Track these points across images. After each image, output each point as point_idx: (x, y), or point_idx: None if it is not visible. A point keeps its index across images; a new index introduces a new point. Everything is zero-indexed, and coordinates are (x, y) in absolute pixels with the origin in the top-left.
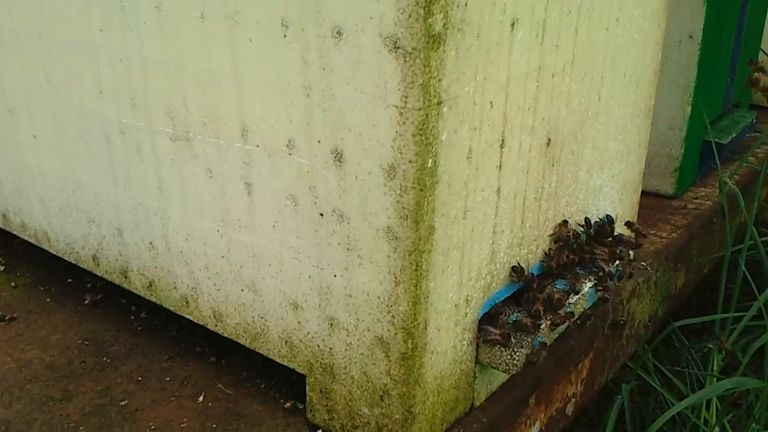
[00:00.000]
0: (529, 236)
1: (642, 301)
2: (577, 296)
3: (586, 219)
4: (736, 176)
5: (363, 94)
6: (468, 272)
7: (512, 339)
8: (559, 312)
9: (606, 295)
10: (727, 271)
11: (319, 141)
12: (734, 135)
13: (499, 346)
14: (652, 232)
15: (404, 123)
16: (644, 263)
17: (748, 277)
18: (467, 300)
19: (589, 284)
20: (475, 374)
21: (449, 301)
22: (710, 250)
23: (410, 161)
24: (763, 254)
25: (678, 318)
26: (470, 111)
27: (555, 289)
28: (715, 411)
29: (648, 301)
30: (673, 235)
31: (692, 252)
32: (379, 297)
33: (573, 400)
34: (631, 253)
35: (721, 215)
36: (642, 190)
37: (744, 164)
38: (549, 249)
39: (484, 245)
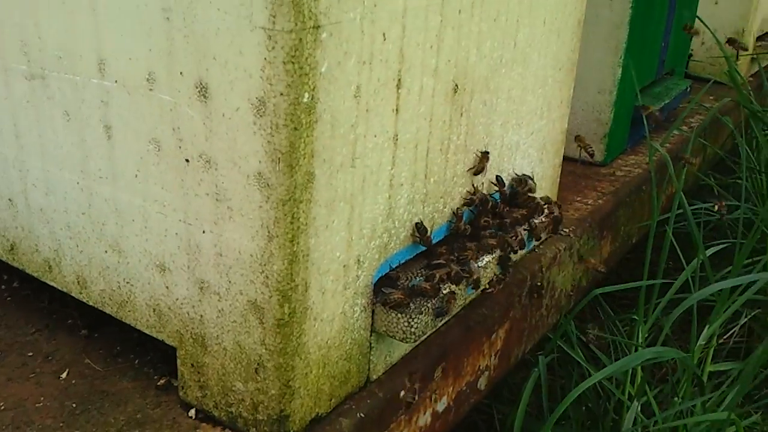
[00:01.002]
0: (434, 192)
1: (563, 269)
2: (486, 260)
3: (498, 177)
4: (667, 144)
5: (227, 15)
6: (359, 229)
7: (411, 304)
8: (465, 277)
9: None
10: (654, 240)
11: (181, 73)
12: (667, 102)
13: (395, 312)
14: (578, 198)
15: (273, 48)
16: (567, 230)
17: (676, 247)
18: (359, 260)
19: (499, 249)
20: (370, 344)
21: (336, 261)
22: (639, 219)
23: (281, 94)
24: (691, 223)
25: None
26: (357, 41)
27: (462, 253)
28: (638, 383)
29: (570, 269)
30: (599, 201)
31: (619, 220)
32: (251, 255)
33: (486, 373)
34: (548, 218)
35: (651, 183)
36: (569, 157)
37: (675, 132)
38: (458, 208)
39: (379, 199)
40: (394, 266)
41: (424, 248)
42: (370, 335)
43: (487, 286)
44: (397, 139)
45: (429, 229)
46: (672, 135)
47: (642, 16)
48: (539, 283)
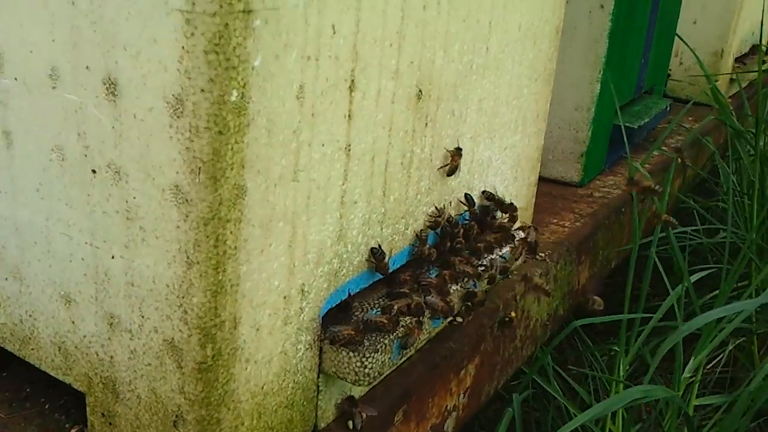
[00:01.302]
0: (394, 212)
1: (539, 297)
2: (454, 288)
3: (467, 196)
4: (647, 165)
5: None
6: (303, 253)
7: (364, 341)
8: (431, 307)
9: (481, 296)
10: (635, 266)
11: (87, 67)
12: (647, 120)
13: (346, 350)
14: (554, 221)
15: (193, 35)
16: (543, 254)
17: (662, 272)
18: (303, 290)
19: (470, 277)
20: (318, 387)
21: (274, 291)
22: (618, 243)
23: (202, 90)
24: (675, 248)
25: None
26: (301, 33)
27: (426, 280)
28: (621, 422)
29: (547, 297)
30: (577, 224)
31: (598, 244)
32: (167, 285)
33: (454, 414)
34: (523, 244)
35: (631, 205)
36: (545, 177)
37: (655, 152)
38: (422, 230)
39: (327, 219)
40: (346, 296)
41: (381, 276)
42: (318, 377)
43: (456, 317)
44: (349, 150)
45: (387, 254)
46: (652, 156)
47: (622, 31)
48: (513, 313)
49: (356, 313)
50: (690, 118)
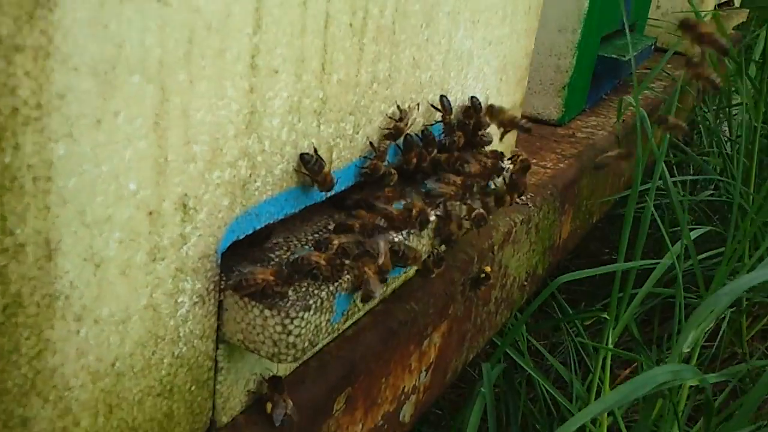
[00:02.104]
0: (338, 101)
1: (519, 249)
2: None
3: (443, 98)
4: (631, 106)
5: None
6: (183, 141)
7: (289, 292)
8: (395, 249)
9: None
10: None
11: None
12: (634, 54)
13: (259, 306)
14: (533, 161)
15: None
16: (523, 197)
17: (660, 225)
18: (185, 205)
19: (440, 209)
20: (216, 364)
21: (127, 201)
22: (601, 194)
23: None
24: (674, 198)
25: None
26: None
27: (383, 209)
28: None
29: (527, 250)
30: (560, 165)
31: (582, 192)
32: None
33: (413, 398)
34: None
35: (617, 149)
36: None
37: (646, 88)
38: (380, 140)
39: (228, 89)
40: (261, 224)
41: (319, 197)
42: (215, 348)
43: (425, 267)
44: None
45: (327, 165)
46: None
47: None
48: (489, 268)
49: (278, 251)
50: (669, 66)
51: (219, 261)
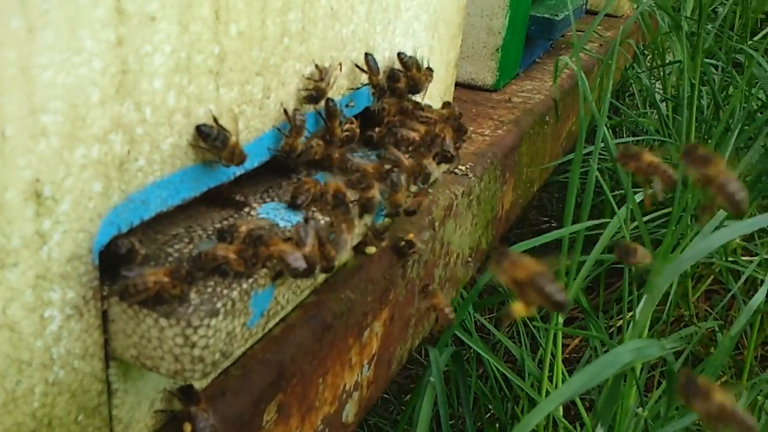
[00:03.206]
0: (240, 59)
1: (461, 224)
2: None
3: (369, 57)
4: (566, 70)
5: None
6: (28, 110)
7: (190, 294)
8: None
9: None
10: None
11: None
12: (567, 14)
13: (153, 313)
14: (470, 128)
15: None
16: (463, 167)
17: (605, 189)
18: (39, 193)
19: (378, 184)
20: (110, 386)
21: None
22: (541, 160)
23: None
24: (614, 160)
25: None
26: None
27: (304, 190)
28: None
29: (469, 224)
30: (499, 132)
31: (522, 159)
32: None
33: (356, 395)
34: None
35: (554, 113)
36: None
37: (580, 49)
38: (296, 107)
39: (84, 40)
40: (152, 213)
41: (227, 175)
42: (106, 367)
43: (364, 250)
44: None
45: (233, 137)
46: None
47: None
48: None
49: (177, 245)
50: (599, 27)
51: (96, 262)
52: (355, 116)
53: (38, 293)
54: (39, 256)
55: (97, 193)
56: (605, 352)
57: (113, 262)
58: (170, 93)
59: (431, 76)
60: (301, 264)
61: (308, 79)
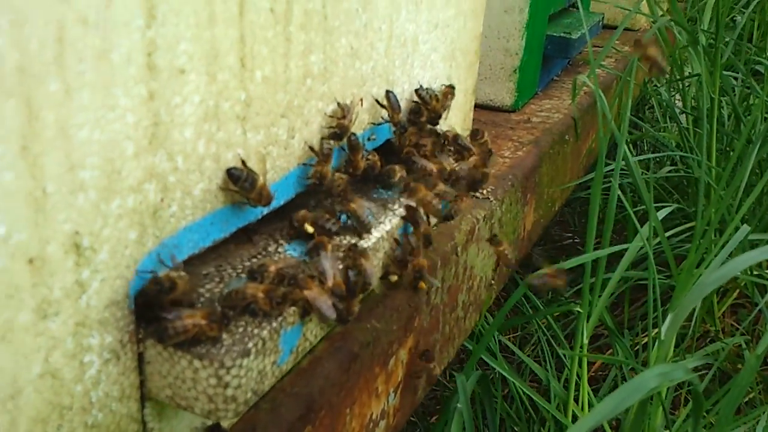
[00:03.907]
0: (265, 102)
1: (484, 248)
2: (379, 234)
3: (390, 94)
4: (585, 88)
5: None
6: (67, 167)
7: (222, 335)
8: (349, 266)
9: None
10: (591, 203)
11: None
12: (583, 32)
13: (188, 355)
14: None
15: None
16: (484, 191)
17: (627, 207)
18: (78, 245)
19: (396, 218)
20: (145, 427)
21: None
22: (562, 179)
23: None
24: (636, 174)
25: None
26: None
27: (331, 224)
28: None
29: (491, 249)
30: (519, 153)
31: (543, 179)
32: None
33: (382, 423)
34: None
35: (574, 132)
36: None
37: (598, 66)
38: (322, 142)
39: (119, 98)
40: (184, 257)
41: (255, 215)
42: (142, 408)
43: (387, 280)
44: None
45: (261, 178)
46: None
47: None
48: (456, 270)
49: (208, 284)
50: (617, 42)
51: (132, 306)
52: (376, 149)
53: (78, 340)
54: (79, 305)
55: (133, 241)
56: (630, 369)
57: (148, 304)
58: (200, 141)
59: (453, 93)
60: (331, 314)
61: (331, 117)
